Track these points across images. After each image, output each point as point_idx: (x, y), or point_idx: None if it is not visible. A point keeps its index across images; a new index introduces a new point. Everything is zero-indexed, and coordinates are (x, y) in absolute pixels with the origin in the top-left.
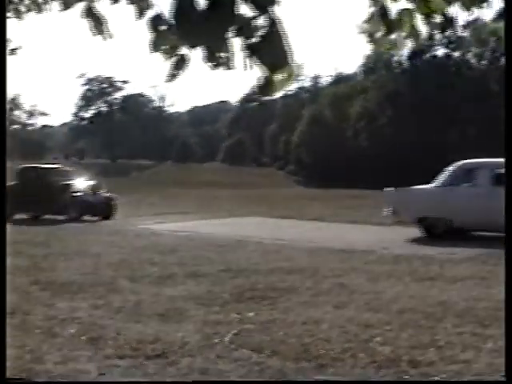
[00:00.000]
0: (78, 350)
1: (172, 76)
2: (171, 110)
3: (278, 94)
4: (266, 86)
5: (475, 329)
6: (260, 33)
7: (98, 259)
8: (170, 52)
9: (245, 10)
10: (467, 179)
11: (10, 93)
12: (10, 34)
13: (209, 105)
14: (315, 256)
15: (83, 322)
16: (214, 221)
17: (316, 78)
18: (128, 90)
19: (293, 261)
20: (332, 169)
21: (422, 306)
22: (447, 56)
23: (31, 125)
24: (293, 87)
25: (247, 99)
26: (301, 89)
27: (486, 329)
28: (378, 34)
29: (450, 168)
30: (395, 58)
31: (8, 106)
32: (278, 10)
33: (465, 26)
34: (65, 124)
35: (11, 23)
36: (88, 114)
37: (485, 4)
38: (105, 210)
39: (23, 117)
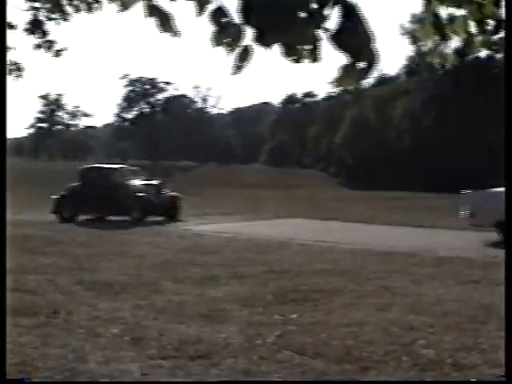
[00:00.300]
0: (120, 351)
1: (237, 68)
2: (214, 111)
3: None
4: (346, 76)
5: None
6: (338, 20)
7: (141, 260)
8: (232, 44)
9: None
10: None
11: (54, 93)
12: (55, 35)
13: (251, 106)
14: (358, 258)
15: (128, 322)
16: (256, 222)
17: None
18: (171, 91)
19: (336, 262)
20: (374, 170)
21: (465, 309)
22: (489, 58)
23: (74, 125)
24: (335, 88)
25: (289, 100)
26: (343, 90)
27: None
28: (430, 43)
29: None
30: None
31: (52, 107)
32: None
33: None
34: (108, 125)
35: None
36: (130, 115)
37: None
38: (169, 210)
39: (66, 117)
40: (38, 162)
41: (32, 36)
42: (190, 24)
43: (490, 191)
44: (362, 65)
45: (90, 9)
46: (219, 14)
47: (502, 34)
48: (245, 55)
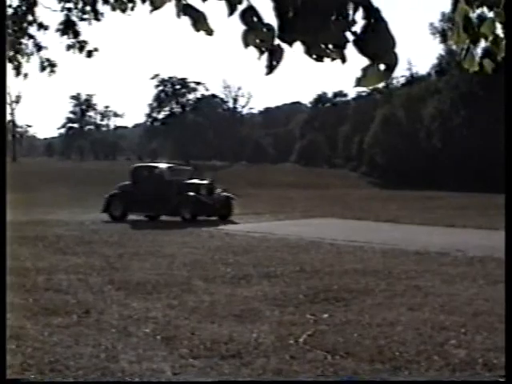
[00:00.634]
0: (152, 350)
1: (270, 68)
2: (244, 111)
3: (351, 95)
4: (367, 77)
5: None
6: (362, 23)
7: (172, 259)
8: (263, 45)
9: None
10: None
11: (85, 93)
12: (86, 36)
13: (281, 106)
14: (389, 257)
15: (159, 321)
16: (287, 222)
17: (389, 79)
18: (201, 91)
19: (367, 262)
20: (405, 170)
21: (496, 309)
22: None
23: (105, 126)
24: (365, 88)
25: (320, 100)
26: (374, 90)
27: None
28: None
29: None
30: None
31: (83, 107)
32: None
33: None
34: (138, 125)
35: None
36: (161, 115)
37: None
38: (221, 209)
39: (97, 118)
40: (69, 161)
41: (64, 36)
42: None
43: None
44: (382, 67)
45: (124, 9)
46: (249, 13)
47: None
48: (276, 55)
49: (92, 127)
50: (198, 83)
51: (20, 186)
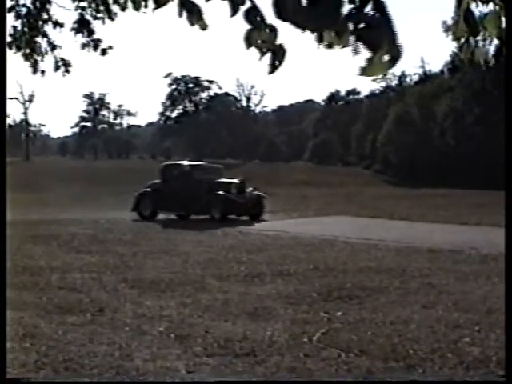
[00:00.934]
0: (166, 348)
1: (273, 67)
2: (257, 109)
3: (364, 93)
4: (369, 67)
5: None
6: (366, 18)
7: (186, 258)
8: (265, 45)
9: None
10: None
11: (98, 92)
12: (101, 34)
13: (295, 104)
14: (403, 255)
15: (173, 319)
16: (301, 220)
17: (402, 77)
18: (214, 90)
19: (381, 260)
20: (419, 168)
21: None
22: None
23: (118, 124)
24: (379, 86)
25: (333, 98)
26: (387, 87)
27: None
28: (463, 40)
29: None
30: (485, 64)
31: (96, 106)
32: None
33: None
34: (151, 124)
35: (103, 24)
36: (174, 114)
37: None
38: (252, 209)
39: (110, 116)
40: (83, 161)
41: (79, 35)
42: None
43: None
44: (386, 57)
45: (137, 8)
46: (253, 13)
47: None
48: (279, 54)
49: (105, 126)
50: (211, 81)
51: (33, 186)
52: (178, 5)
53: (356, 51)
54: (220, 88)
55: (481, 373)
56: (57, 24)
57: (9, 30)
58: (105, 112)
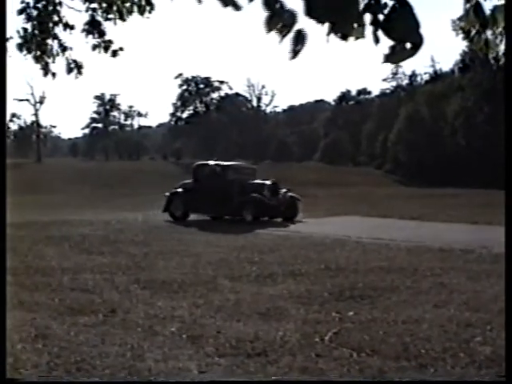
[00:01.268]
0: (178, 349)
1: (294, 52)
2: (268, 109)
3: (375, 92)
4: (393, 55)
5: None
6: (388, 9)
7: (198, 258)
8: (284, 30)
9: None
10: None
11: (108, 93)
12: (112, 35)
13: (305, 104)
14: (414, 255)
15: (185, 320)
16: (312, 220)
17: (412, 76)
18: (225, 90)
19: (392, 260)
20: (430, 167)
21: None
22: None
23: (129, 125)
24: (389, 85)
25: (343, 98)
26: (397, 87)
27: None
28: (473, 32)
29: None
30: (491, 55)
31: (106, 107)
32: None
33: None
34: (162, 124)
35: (113, 25)
36: (185, 115)
37: None
38: (286, 211)
39: (121, 117)
40: (94, 162)
41: (90, 36)
42: (243, 22)
43: None
44: (408, 45)
45: (142, 12)
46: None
47: None
48: (300, 39)
49: (116, 127)
50: (221, 82)
51: (45, 187)
52: None
53: (377, 41)
54: (231, 88)
55: (492, 372)
56: (67, 26)
57: (19, 32)
58: (115, 113)
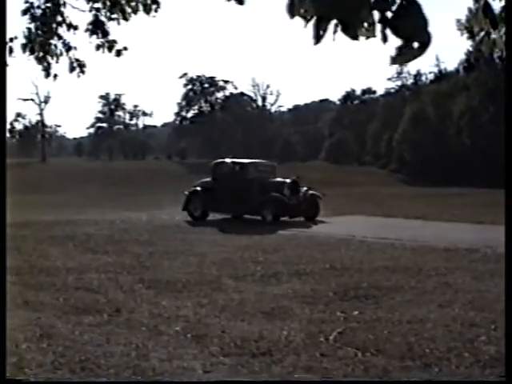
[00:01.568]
0: (183, 348)
1: (317, 38)
2: (273, 109)
3: (380, 92)
4: (400, 56)
5: None
6: (396, 6)
7: (202, 258)
8: (307, 14)
9: None
10: None
11: (113, 93)
12: (115, 35)
13: (310, 103)
14: (419, 254)
15: (190, 319)
16: (317, 219)
17: (417, 76)
18: (230, 90)
19: (397, 259)
20: (435, 167)
21: None
22: None
23: (134, 125)
24: (394, 84)
25: (348, 97)
26: (402, 86)
27: None
28: (482, 32)
29: None
30: (496, 54)
31: (111, 107)
32: None
33: None
34: (167, 124)
35: (117, 25)
36: (190, 114)
37: None
38: (307, 210)
39: (126, 117)
40: (99, 161)
41: (94, 36)
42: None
43: None
44: (416, 44)
45: (148, 11)
46: None
47: None
48: (322, 24)
49: (121, 127)
50: (226, 81)
51: (50, 186)
52: None
53: (385, 39)
54: (235, 88)
55: (497, 372)
56: (71, 26)
57: (23, 32)
58: (120, 113)
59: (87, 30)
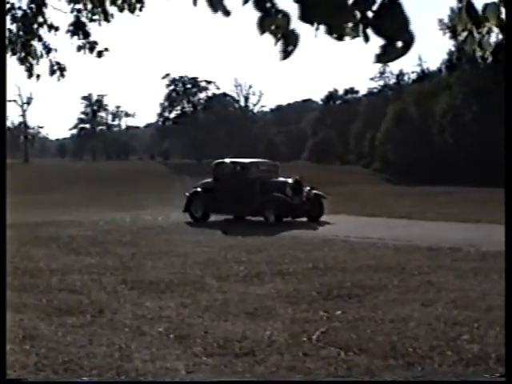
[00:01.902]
0: (166, 349)
1: (286, 53)
2: (255, 109)
3: (362, 92)
4: (384, 54)
5: None
6: (377, 5)
7: (185, 258)
8: (278, 31)
9: None
10: None
11: (96, 94)
12: (97, 36)
13: (293, 103)
14: (402, 253)
15: (173, 320)
16: (300, 219)
17: (400, 75)
18: (212, 90)
19: (380, 258)
20: (418, 166)
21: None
22: None
23: (116, 126)
24: (377, 84)
25: (331, 97)
26: (385, 86)
27: None
28: (465, 32)
29: None
30: (479, 54)
31: (94, 108)
32: None
33: None
34: (150, 125)
35: (98, 26)
36: (172, 115)
37: None
38: (310, 210)
39: (108, 118)
40: (82, 162)
41: (75, 37)
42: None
43: None
44: (399, 44)
45: (133, 9)
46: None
47: None
48: (291, 40)
49: (104, 127)
50: (208, 82)
51: (33, 188)
52: None
53: (366, 39)
54: (218, 88)
55: (480, 370)
56: (52, 27)
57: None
58: (103, 113)
59: (68, 31)
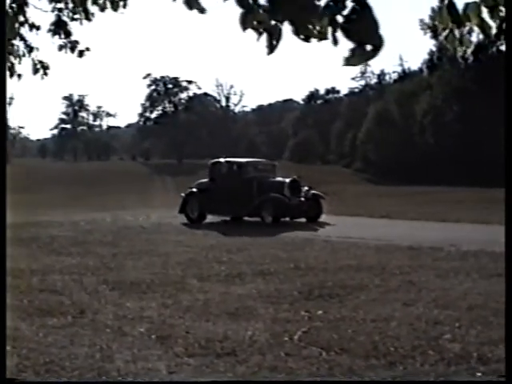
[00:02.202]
0: (147, 349)
1: (271, 47)
2: (237, 109)
3: (343, 91)
4: (353, 57)
5: None
6: (347, 10)
7: (167, 258)
8: (260, 26)
9: None
10: None
11: (77, 94)
12: (77, 35)
13: (274, 103)
14: (383, 253)
15: (154, 320)
16: (281, 219)
17: (381, 75)
18: (193, 90)
19: (361, 258)
20: (399, 165)
21: (490, 303)
22: None
23: (97, 126)
24: (358, 84)
25: (312, 97)
26: (366, 86)
27: None
28: (446, 30)
29: None
30: (460, 54)
31: (75, 108)
32: None
33: None
34: (131, 125)
35: (80, 25)
36: (154, 115)
37: None
38: (309, 210)
39: (90, 118)
40: (63, 162)
41: (56, 37)
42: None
43: None
44: (369, 47)
45: (116, 8)
46: None
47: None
48: (275, 34)
49: (85, 128)
50: (189, 82)
51: (15, 188)
52: None
53: (335, 42)
54: (199, 88)
55: (462, 369)
56: (33, 26)
57: None
58: (84, 114)
59: (50, 30)
